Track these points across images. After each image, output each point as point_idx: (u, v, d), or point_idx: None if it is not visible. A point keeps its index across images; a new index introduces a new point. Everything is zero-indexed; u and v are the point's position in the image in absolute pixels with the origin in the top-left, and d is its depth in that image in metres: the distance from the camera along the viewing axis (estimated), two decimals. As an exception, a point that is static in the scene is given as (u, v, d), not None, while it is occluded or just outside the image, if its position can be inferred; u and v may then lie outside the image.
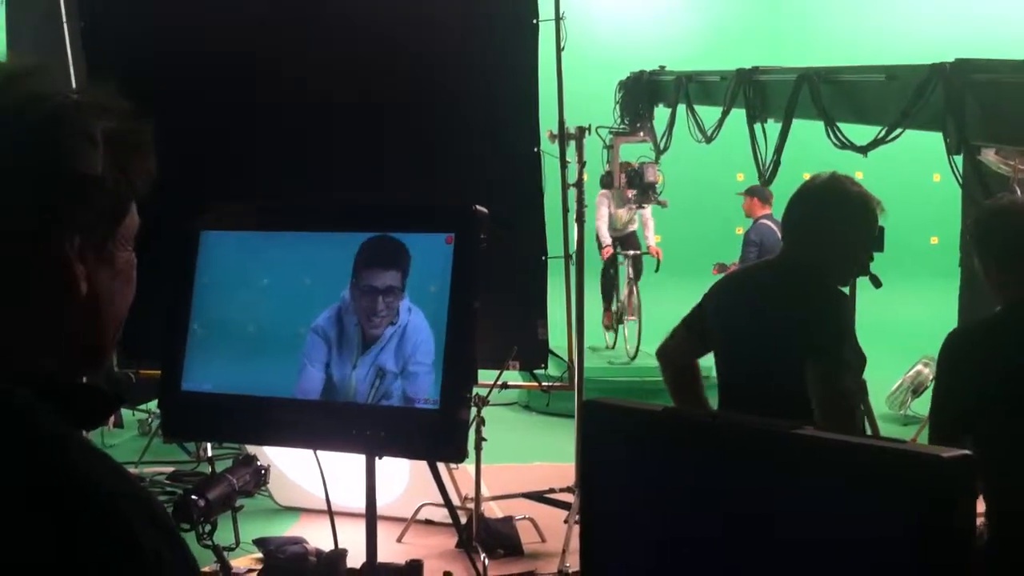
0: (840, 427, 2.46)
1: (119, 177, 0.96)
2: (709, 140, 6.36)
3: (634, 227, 10.12)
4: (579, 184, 5.09)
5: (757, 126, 5.59)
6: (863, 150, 4.53)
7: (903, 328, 9.60)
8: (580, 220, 5.09)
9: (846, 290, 3.06)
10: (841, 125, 4.77)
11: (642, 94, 7.75)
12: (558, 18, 4.91)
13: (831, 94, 4.91)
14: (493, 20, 4.91)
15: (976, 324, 2.83)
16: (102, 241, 0.96)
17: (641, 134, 7.93)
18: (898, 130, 4.31)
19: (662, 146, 7.47)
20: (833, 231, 2.76)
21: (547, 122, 5.00)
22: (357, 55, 4.90)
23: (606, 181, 8.59)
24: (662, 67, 8.00)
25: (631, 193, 8.41)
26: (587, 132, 5.09)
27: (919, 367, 7.69)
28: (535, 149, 4.87)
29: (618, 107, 8.17)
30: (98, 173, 0.93)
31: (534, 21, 4.82)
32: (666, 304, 8.48)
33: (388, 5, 4.94)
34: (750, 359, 2.78)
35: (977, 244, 2.69)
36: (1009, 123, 3.83)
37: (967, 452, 1.08)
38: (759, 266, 3.34)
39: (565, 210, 5.08)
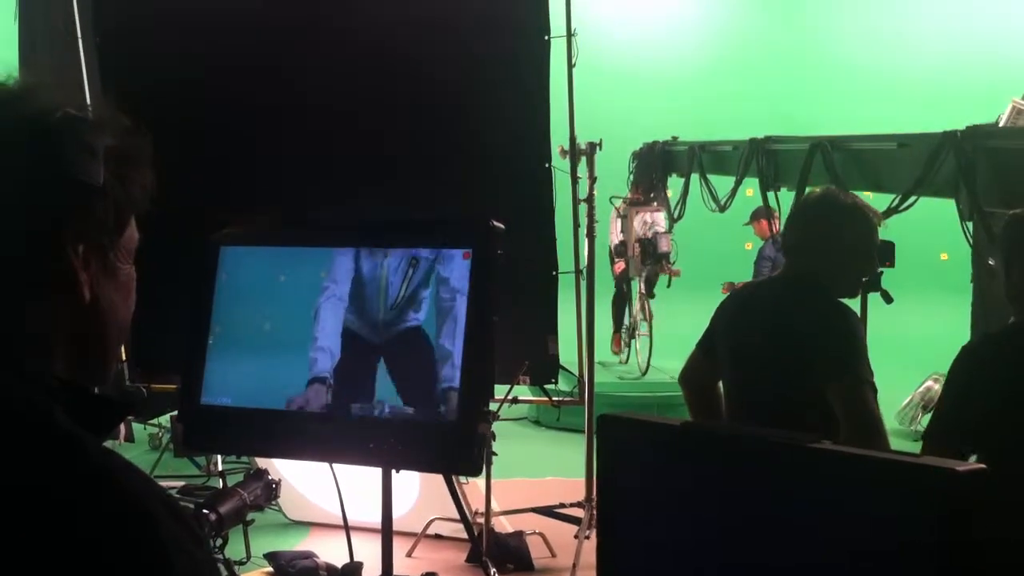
0: (869, 443, 2.45)
1: (119, 190, 1.00)
2: (723, 209, 6.42)
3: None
4: (590, 199, 5.11)
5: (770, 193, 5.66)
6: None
7: (913, 344, 9.58)
8: (591, 235, 5.11)
9: (856, 304, 3.07)
10: (855, 193, 4.82)
11: (656, 164, 7.86)
12: (570, 34, 4.94)
13: (844, 162, 4.93)
14: (505, 37, 4.93)
15: (993, 337, 2.81)
16: (104, 251, 1.00)
17: (655, 204, 8.01)
18: (912, 198, 4.33)
19: (676, 215, 7.53)
20: (831, 243, 2.77)
21: (558, 138, 5.02)
22: (367, 70, 4.93)
23: (619, 250, 8.67)
24: (675, 137, 8.11)
25: (643, 262, 8.48)
26: (598, 147, 5.10)
27: (929, 383, 7.67)
28: (546, 164, 4.88)
29: (632, 177, 8.28)
30: (99, 184, 0.97)
31: (546, 37, 4.84)
32: (678, 319, 8.50)
33: (399, 21, 4.96)
34: (758, 373, 2.78)
35: (1001, 257, 2.65)
36: (1022, 188, 3.85)
37: (982, 466, 1.09)
38: (764, 282, 3.35)
39: (576, 225, 5.09)
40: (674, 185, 8.22)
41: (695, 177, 6.99)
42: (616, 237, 10.11)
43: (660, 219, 9.94)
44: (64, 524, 0.84)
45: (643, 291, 9.55)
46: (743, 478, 1.27)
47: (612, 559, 1.44)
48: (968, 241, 4.18)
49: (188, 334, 2.04)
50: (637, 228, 10.06)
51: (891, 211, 4.45)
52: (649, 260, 8.41)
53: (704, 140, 7.01)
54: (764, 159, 5.68)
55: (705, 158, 6.74)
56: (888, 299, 3.69)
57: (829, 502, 1.18)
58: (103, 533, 0.84)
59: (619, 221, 10.06)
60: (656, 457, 1.37)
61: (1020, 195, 3.80)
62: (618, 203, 8.45)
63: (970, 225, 4.15)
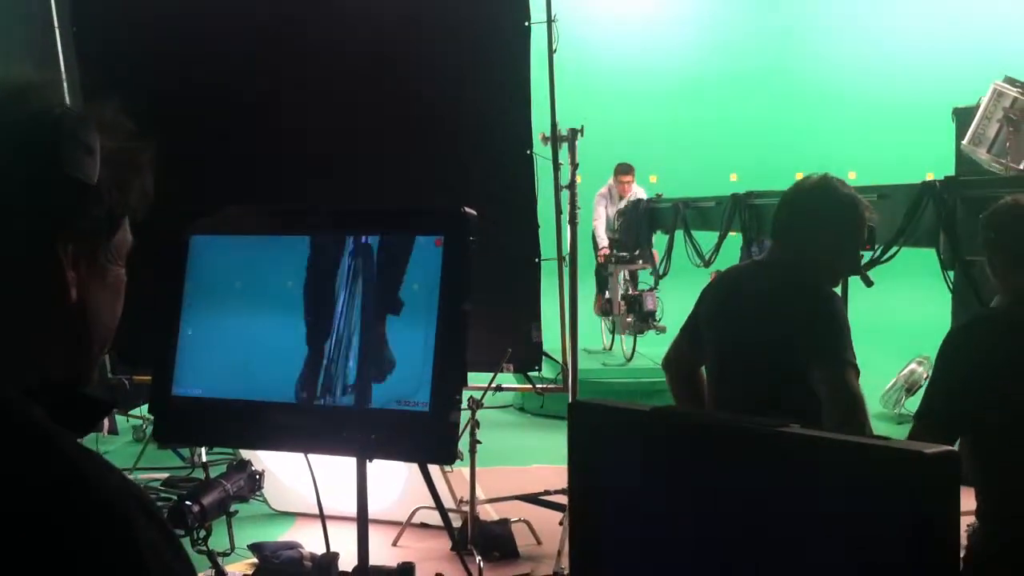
0: (852, 426, 2.46)
1: (115, 192, 0.99)
2: (707, 264, 6.50)
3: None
4: (572, 186, 5.10)
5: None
6: (861, 272, 4.55)
7: (897, 327, 9.61)
8: (573, 222, 5.10)
9: (838, 290, 3.06)
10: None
11: (641, 221, 7.96)
12: (550, 20, 4.92)
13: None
14: (485, 23, 4.91)
15: (983, 318, 2.82)
16: (94, 251, 0.99)
17: (640, 261, 8.06)
18: (894, 248, 4.35)
19: (661, 271, 7.61)
20: (822, 232, 2.76)
21: (539, 125, 5.00)
22: (348, 58, 4.91)
23: (605, 308, 8.72)
24: (659, 195, 8.23)
25: (630, 319, 8.51)
26: (579, 134, 5.09)
27: (913, 366, 7.71)
28: (528, 151, 4.88)
29: (617, 235, 8.34)
30: (93, 183, 0.96)
31: (526, 23, 4.83)
32: (665, 305, 8.53)
33: (380, 8, 4.94)
34: (743, 358, 2.78)
35: (986, 242, 2.70)
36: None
37: (950, 448, 1.09)
38: (749, 267, 3.33)
39: (558, 212, 5.08)
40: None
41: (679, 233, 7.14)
42: (601, 224, 10.12)
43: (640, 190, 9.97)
44: (38, 527, 0.82)
45: (627, 277, 9.55)
46: (713, 463, 1.27)
47: (585, 544, 1.43)
48: (948, 286, 4.22)
49: (158, 326, 2.03)
50: (611, 215, 10.08)
51: (874, 262, 4.47)
52: (635, 318, 8.48)
53: (687, 197, 7.22)
54: (747, 213, 5.77)
55: (689, 214, 6.91)
56: (868, 283, 3.69)
57: (799, 486, 1.17)
58: (78, 536, 0.83)
59: (604, 205, 10.08)
60: (627, 443, 1.37)
61: None
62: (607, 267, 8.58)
63: (951, 274, 4.18)
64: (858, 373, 2.62)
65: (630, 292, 8.58)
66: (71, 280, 0.96)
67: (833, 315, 2.68)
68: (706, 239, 6.59)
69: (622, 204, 10.03)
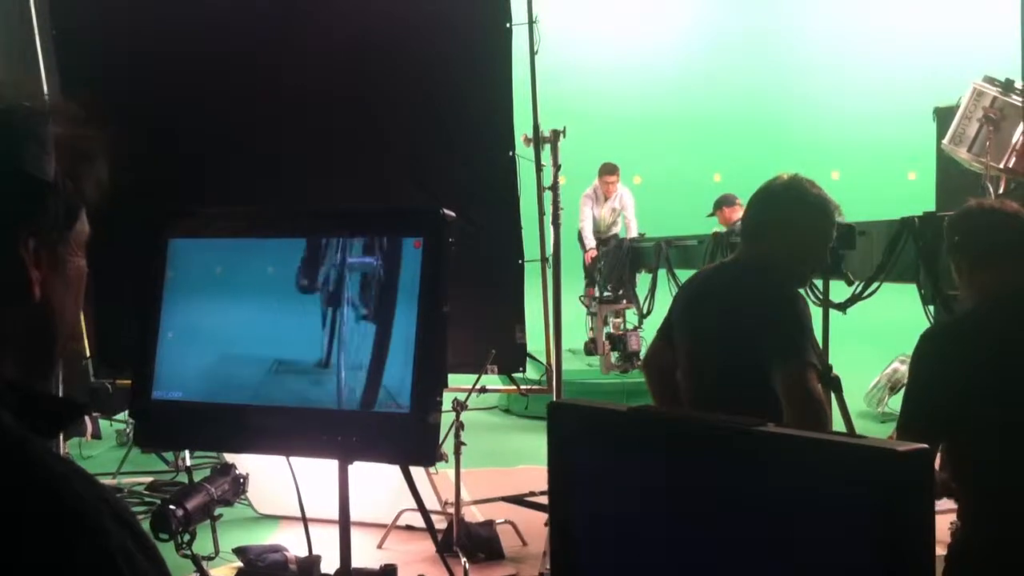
0: (811, 426, 2.47)
1: (69, 182, 0.97)
2: None
3: (617, 229, 10.17)
4: (554, 187, 5.10)
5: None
6: (842, 307, 4.56)
7: (880, 326, 9.64)
8: (556, 223, 5.10)
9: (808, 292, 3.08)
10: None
11: (623, 261, 8.03)
12: (531, 22, 4.93)
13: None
14: (466, 24, 4.92)
15: (953, 322, 2.84)
16: (54, 245, 0.97)
17: (624, 301, 8.13)
18: (875, 284, 4.36)
19: (645, 310, 7.67)
20: (790, 232, 2.78)
21: (522, 126, 5.01)
22: (331, 60, 4.91)
23: (589, 348, 8.79)
24: (642, 234, 8.28)
25: (613, 359, 8.57)
26: (561, 135, 5.09)
27: (896, 364, 7.74)
28: (510, 153, 4.88)
29: (600, 274, 8.40)
30: (50, 178, 0.94)
31: (507, 25, 4.83)
32: (648, 345, 8.55)
33: (361, 9, 4.94)
34: (711, 359, 2.79)
35: (951, 247, 2.72)
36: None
37: (923, 446, 1.10)
38: (718, 267, 3.35)
39: (541, 213, 5.09)
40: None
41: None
42: (588, 225, 10.14)
43: (629, 203, 9.98)
44: (8, 534, 0.82)
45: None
46: (689, 462, 1.28)
47: (564, 544, 1.44)
48: (927, 317, 4.25)
49: (138, 329, 2.03)
50: (606, 216, 10.10)
51: (855, 299, 4.47)
52: (620, 358, 8.54)
53: (670, 236, 7.31)
54: (728, 251, 5.84)
55: (672, 253, 6.97)
56: (848, 301, 3.71)
57: (773, 485, 1.18)
58: (50, 544, 0.83)
59: (589, 206, 10.10)
60: (605, 443, 1.37)
61: None
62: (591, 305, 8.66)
63: (932, 309, 4.20)
64: (820, 374, 2.64)
65: (614, 332, 8.65)
66: (35, 280, 0.95)
67: (795, 316, 2.69)
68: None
69: (607, 205, 10.06)
